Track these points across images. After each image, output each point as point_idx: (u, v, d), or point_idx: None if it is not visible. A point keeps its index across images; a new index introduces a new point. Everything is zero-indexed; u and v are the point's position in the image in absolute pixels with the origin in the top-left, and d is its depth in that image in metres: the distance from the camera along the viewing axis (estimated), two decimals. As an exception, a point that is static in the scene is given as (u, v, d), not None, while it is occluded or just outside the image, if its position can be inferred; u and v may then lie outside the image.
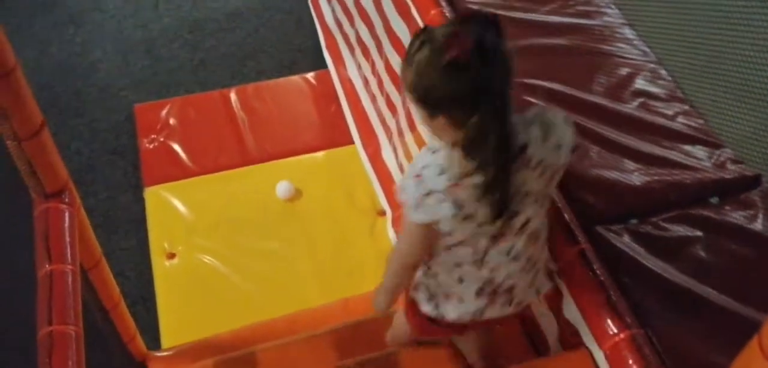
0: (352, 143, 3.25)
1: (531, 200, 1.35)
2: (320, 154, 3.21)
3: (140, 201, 3.03)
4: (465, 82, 1.18)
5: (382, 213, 2.98)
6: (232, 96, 3.42)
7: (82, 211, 1.84)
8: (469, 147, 1.23)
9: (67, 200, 1.74)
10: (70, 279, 1.60)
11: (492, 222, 1.31)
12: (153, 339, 2.64)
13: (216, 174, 3.12)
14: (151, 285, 2.79)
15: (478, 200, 1.28)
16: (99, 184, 3.14)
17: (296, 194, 3.04)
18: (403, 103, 2.61)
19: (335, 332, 2.09)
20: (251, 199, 3.03)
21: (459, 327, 1.59)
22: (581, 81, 1.99)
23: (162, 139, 3.22)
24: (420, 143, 2.39)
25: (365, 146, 3.17)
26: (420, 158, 1.33)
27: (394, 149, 2.96)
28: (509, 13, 2.18)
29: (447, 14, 2.10)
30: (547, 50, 2.09)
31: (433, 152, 1.31)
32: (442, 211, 1.30)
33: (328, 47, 3.60)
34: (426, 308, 1.58)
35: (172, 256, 2.83)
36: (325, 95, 3.45)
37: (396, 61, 2.65)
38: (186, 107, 3.37)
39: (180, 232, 2.89)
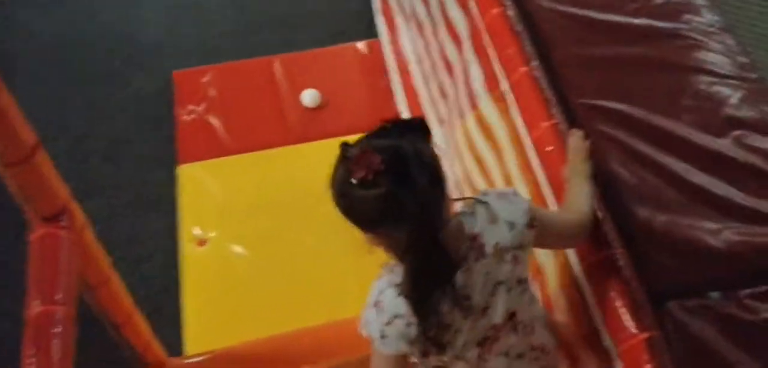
0: (401, 124, 2.97)
1: (504, 289, 1.28)
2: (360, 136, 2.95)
3: (173, 179, 2.87)
4: (378, 201, 1.12)
5: (430, 206, 2.72)
6: (277, 65, 3.19)
7: (87, 231, 1.66)
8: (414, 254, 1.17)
9: (65, 223, 1.55)
10: (60, 326, 1.43)
11: (434, 347, 1.26)
12: (175, 334, 2.50)
13: (254, 153, 2.93)
14: (178, 273, 2.64)
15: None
16: (132, 157, 2.99)
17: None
18: (461, 80, 2.31)
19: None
20: (291, 183, 2.83)
21: None
22: (661, 103, 1.66)
23: (200, 110, 3.03)
24: (481, 123, 2.09)
25: (414, 130, 2.90)
26: (376, 285, 1.28)
27: (445, 137, 2.69)
28: (583, 11, 1.85)
29: (509, 13, 1.80)
30: (624, 61, 1.76)
31: (390, 272, 1.26)
32: (409, 334, 1.24)
33: (382, 12, 3.31)
34: None
35: (202, 243, 2.67)
36: (376, 68, 3.18)
37: (451, 50, 2.36)
38: (227, 76, 3.17)
39: (212, 217, 2.72)
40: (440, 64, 2.55)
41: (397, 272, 1.23)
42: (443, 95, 2.62)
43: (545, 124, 1.58)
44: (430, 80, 2.75)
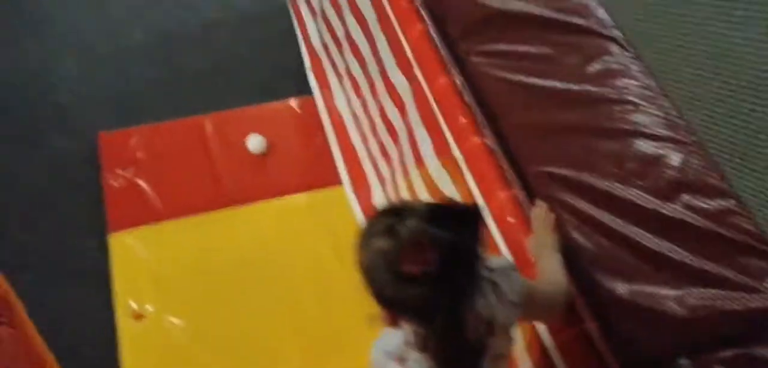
0: (340, 183, 2.96)
1: (503, 362, 1.31)
2: (303, 196, 2.92)
3: (104, 247, 2.72)
4: (417, 299, 1.08)
5: (373, 267, 2.70)
6: (207, 125, 3.11)
7: (28, 323, 1.55)
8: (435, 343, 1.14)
9: (5, 319, 1.44)
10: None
11: None
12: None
13: (188, 218, 2.82)
14: (115, 350, 2.50)
15: None
16: (58, 225, 2.83)
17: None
18: (406, 141, 2.31)
19: None
20: (227, 249, 2.74)
21: None
22: (609, 168, 1.72)
23: (129, 175, 2.91)
24: (428, 182, 2.10)
25: (355, 188, 2.89)
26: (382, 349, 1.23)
27: (388, 198, 2.68)
28: (526, 78, 1.90)
29: (456, 82, 1.81)
30: (569, 128, 1.81)
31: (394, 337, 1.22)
32: None
33: (313, 70, 3.30)
34: None
35: (139, 317, 2.54)
36: (311, 125, 3.15)
37: (393, 114, 2.36)
38: (156, 137, 3.06)
39: (148, 288, 2.60)
40: (381, 125, 2.56)
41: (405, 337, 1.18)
42: (384, 154, 2.62)
43: (503, 194, 1.60)
44: (370, 140, 2.74)
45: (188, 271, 2.66)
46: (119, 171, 2.91)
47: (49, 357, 1.69)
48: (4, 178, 2.92)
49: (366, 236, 1.13)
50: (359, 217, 2.81)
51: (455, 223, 1.10)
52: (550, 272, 1.43)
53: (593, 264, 1.53)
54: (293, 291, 2.63)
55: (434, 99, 1.88)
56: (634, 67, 2.01)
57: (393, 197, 2.59)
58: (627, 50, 2.06)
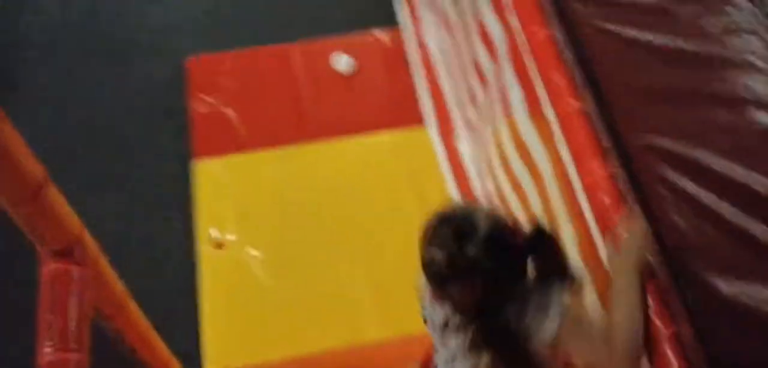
0: (424, 123, 2.84)
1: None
2: (387, 134, 2.83)
3: (188, 174, 2.74)
4: (459, 301, 1.26)
5: (455, 216, 2.60)
6: (294, 53, 3.04)
7: (101, 261, 1.55)
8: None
9: (78, 258, 1.44)
10: (73, 373, 1.33)
11: None
12: (192, 340, 2.41)
13: (272, 150, 2.80)
14: (195, 276, 2.53)
15: None
16: (145, 149, 2.87)
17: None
18: (496, 90, 2.15)
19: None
20: (308, 184, 2.72)
21: None
22: (726, 144, 1.51)
23: (215, 102, 2.89)
24: (515, 138, 1.95)
25: (440, 131, 2.77)
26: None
27: (473, 146, 2.56)
28: (634, 31, 1.69)
29: (556, 35, 1.64)
30: (682, 93, 1.61)
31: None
32: (425, 309, 1.42)
33: (405, 2, 3.15)
34: None
35: (220, 246, 2.56)
36: (398, 59, 3.03)
37: (485, 59, 2.21)
38: (243, 63, 3.03)
39: (230, 218, 2.61)
40: (471, 69, 2.41)
41: None
42: (473, 100, 2.48)
43: (598, 168, 1.45)
44: (459, 82, 2.60)
45: (270, 203, 2.65)
46: (206, 97, 2.90)
47: (128, 300, 1.69)
48: (93, 100, 2.98)
49: (428, 238, 1.25)
50: (443, 162, 2.70)
51: (514, 254, 1.23)
52: (616, 323, 1.26)
53: (693, 255, 1.37)
54: (372, 234, 2.58)
55: (530, 52, 1.72)
56: (763, 26, 1.76)
57: (478, 147, 2.47)
58: (755, 4, 1.80)
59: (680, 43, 1.69)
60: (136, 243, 2.64)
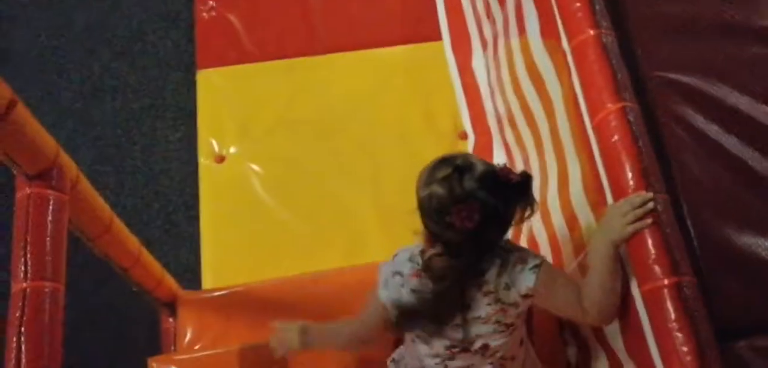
0: (440, 38, 2.70)
1: (479, 323, 1.40)
2: (400, 49, 2.69)
3: (192, 84, 2.65)
4: (456, 237, 1.28)
5: (464, 137, 2.50)
6: (306, -43, 2.87)
7: (81, 182, 1.48)
8: (435, 275, 1.37)
9: (55, 181, 1.37)
10: (48, 303, 1.28)
11: (435, 324, 1.41)
12: (192, 254, 2.37)
13: (279, 62, 2.67)
14: (196, 189, 2.47)
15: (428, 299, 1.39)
16: (148, 57, 2.78)
17: None
18: (512, 7, 2.01)
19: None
20: (315, 98, 2.60)
21: None
22: (752, 84, 1.39)
23: (220, 7, 2.76)
24: (528, 61, 1.84)
25: (455, 48, 2.63)
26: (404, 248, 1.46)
27: (487, 65, 2.43)
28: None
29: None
30: (707, 25, 1.47)
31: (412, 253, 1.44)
32: (400, 294, 1.42)
33: None
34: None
35: (221, 159, 2.49)
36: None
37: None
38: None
39: (232, 131, 2.52)
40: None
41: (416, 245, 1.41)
42: (489, 16, 2.33)
43: (612, 106, 1.33)
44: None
45: (274, 117, 2.56)
46: (211, 2, 2.76)
47: (114, 220, 1.63)
48: (92, 4, 2.86)
49: (428, 177, 1.30)
50: (456, 81, 2.58)
51: (505, 192, 1.26)
52: (591, 287, 1.34)
53: (705, 202, 1.28)
54: (378, 154, 2.48)
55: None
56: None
57: (492, 66, 2.34)
58: None
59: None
60: (136, 152, 2.59)
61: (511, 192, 1.27)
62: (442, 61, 2.65)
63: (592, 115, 1.37)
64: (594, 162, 1.44)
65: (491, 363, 1.46)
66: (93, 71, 2.70)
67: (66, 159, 1.42)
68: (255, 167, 2.46)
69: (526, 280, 1.35)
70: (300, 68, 2.65)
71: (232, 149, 2.50)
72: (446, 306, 1.39)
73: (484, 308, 1.38)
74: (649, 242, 1.22)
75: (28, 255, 1.30)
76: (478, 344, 1.42)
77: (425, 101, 2.56)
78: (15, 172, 1.36)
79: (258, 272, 2.23)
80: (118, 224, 1.69)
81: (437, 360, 1.47)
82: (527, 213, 1.30)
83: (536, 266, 1.36)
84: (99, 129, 2.62)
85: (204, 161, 2.48)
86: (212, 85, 2.61)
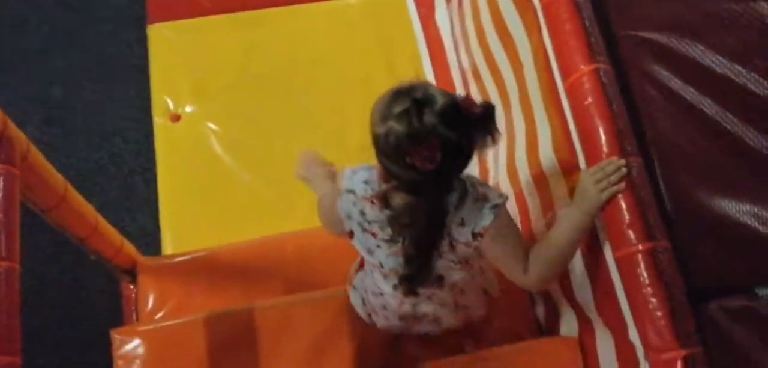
0: (400, -12, 2.63)
1: (435, 255, 1.35)
2: (361, 0, 2.62)
3: (143, 40, 2.53)
4: (415, 174, 1.19)
5: (428, 91, 2.45)
6: None
7: (32, 152, 1.40)
8: (394, 215, 1.28)
9: (3, 155, 1.30)
10: (3, 285, 1.22)
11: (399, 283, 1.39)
12: (151, 218, 2.30)
13: (234, 14, 2.58)
14: (152, 150, 2.38)
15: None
16: (96, 10, 2.64)
17: None
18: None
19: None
20: (272, 52, 2.52)
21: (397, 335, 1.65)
22: (732, 44, 1.36)
23: (170, -41, 2.63)
24: (494, 12, 1.80)
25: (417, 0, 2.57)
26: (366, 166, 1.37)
27: (451, 17, 2.38)
28: None
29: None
30: None
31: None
32: (352, 216, 1.38)
33: None
34: (360, 311, 1.64)
35: (176, 118, 2.40)
36: None
37: None
38: None
39: (187, 88, 2.43)
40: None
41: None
42: (453, -34, 2.27)
43: (585, 68, 1.30)
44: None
45: (230, 73, 2.48)
46: (160, -47, 2.63)
47: (68, 190, 1.55)
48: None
49: (384, 111, 1.19)
50: (418, 34, 2.53)
51: (467, 126, 1.17)
52: (542, 250, 1.34)
53: (680, 165, 1.27)
54: (341, 110, 2.41)
55: None
56: None
57: (456, 18, 2.29)
58: None
59: None
60: (88, 113, 2.48)
61: (473, 125, 1.18)
62: (405, 13, 2.59)
63: (565, 76, 1.35)
64: (565, 123, 1.42)
65: (451, 292, 1.45)
66: (36, 26, 2.56)
67: (14, 130, 1.33)
68: (213, 126, 2.38)
69: (483, 219, 1.28)
70: (257, 21, 2.56)
71: (187, 108, 2.41)
72: (415, 273, 1.34)
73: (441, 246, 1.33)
74: (623, 207, 1.22)
75: (-22, 234, 1.23)
76: (433, 275, 1.38)
77: (386, 51, 2.51)
78: (-42, 146, 1.27)
79: (220, 235, 2.18)
80: (73, 194, 1.62)
81: (395, 290, 1.45)
82: (489, 142, 1.20)
83: (497, 205, 1.29)
84: (45, 90, 2.49)
85: (159, 121, 2.39)
86: (165, 41, 2.50)
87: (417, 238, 1.29)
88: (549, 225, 1.54)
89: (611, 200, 1.23)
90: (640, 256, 1.18)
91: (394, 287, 1.45)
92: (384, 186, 1.27)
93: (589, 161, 1.29)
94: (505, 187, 1.86)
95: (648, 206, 1.21)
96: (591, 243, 1.34)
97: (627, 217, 1.20)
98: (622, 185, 1.22)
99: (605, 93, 1.28)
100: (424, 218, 1.25)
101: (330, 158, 2.30)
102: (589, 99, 1.29)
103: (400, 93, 1.19)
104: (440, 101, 1.17)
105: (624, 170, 1.23)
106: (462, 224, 1.29)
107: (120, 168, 2.39)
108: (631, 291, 1.20)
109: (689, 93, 1.32)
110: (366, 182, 1.34)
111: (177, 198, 2.28)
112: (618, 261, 1.22)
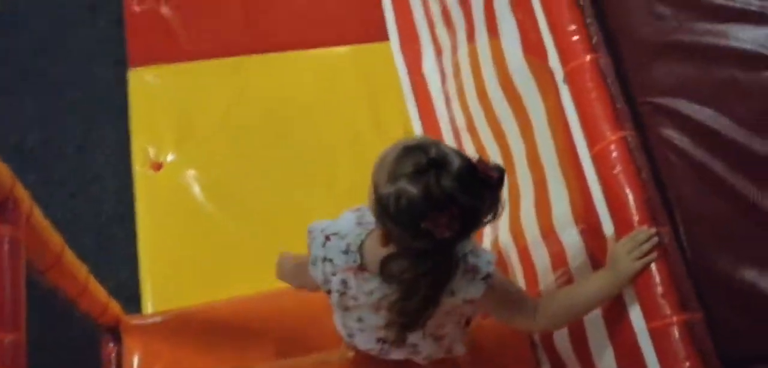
0: (387, 39, 2.62)
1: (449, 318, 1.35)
2: (345, 49, 2.60)
3: (123, 82, 2.45)
4: (426, 242, 1.10)
5: (415, 141, 2.44)
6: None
7: (35, 213, 1.32)
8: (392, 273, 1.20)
9: (9, 215, 1.21)
10: (9, 359, 1.13)
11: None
12: (129, 271, 2.19)
13: (217, 60, 2.52)
14: (132, 198, 2.29)
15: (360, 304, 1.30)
16: (73, 49, 2.55)
17: None
18: (481, 15, 1.96)
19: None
20: (257, 99, 2.46)
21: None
22: (752, 115, 1.39)
23: (152, 0, 2.56)
24: (502, 72, 1.80)
25: (404, 50, 2.56)
26: (343, 222, 1.32)
27: (443, 70, 2.38)
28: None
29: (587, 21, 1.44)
30: (707, 52, 1.46)
31: (357, 223, 1.29)
32: (331, 283, 1.31)
33: None
34: (340, 330, 1.53)
35: (157, 166, 2.32)
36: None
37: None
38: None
39: (169, 136, 2.35)
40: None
41: (354, 232, 1.27)
42: (447, 21, 2.28)
43: (612, 136, 1.31)
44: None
45: (214, 120, 2.41)
46: (140, -8, 2.56)
47: (65, 251, 1.47)
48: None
49: (393, 169, 1.09)
50: (405, 82, 2.52)
51: (483, 190, 1.09)
52: (587, 298, 1.33)
53: (709, 237, 1.28)
54: (326, 156, 2.38)
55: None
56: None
57: (450, 72, 2.29)
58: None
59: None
60: (64, 159, 2.37)
61: (490, 191, 1.11)
62: (390, 63, 2.58)
63: (591, 144, 1.35)
64: (585, 186, 1.42)
65: (432, 338, 1.42)
66: (9, 68, 2.45)
67: (21, 190, 1.25)
68: (196, 174, 2.31)
69: (475, 290, 1.24)
70: (241, 67, 2.51)
71: (169, 156, 2.33)
72: (411, 317, 1.25)
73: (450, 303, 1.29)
74: (656, 278, 1.21)
75: (-16, 302, 1.14)
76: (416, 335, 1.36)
77: (373, 102, 2.49)
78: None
79: (203, 289, 2.10)
80: (68, 252, 1.53)
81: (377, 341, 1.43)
82: (497, 210, 1.13)
83: (488, 276, 1.24)
84: (19, 134, 2.38)
85: (139, 169, 2.30)
86: (146, 86, 2.43)
87: (413, 306, 1.21)
88: (561, 280, 1.54)
89: (643, 270, 1.22)
90: (675, 328, 1.17)
91: (378, 340, 1.43)
92: (382, 251, 1.19)
93: (619, 230, 1.29)
94: (506, 240, 1.85)
95: (681, 277, 1.21)
96: (615, 311, 1.33)
97: (660, 288, 1.20)
98: (655, 254, 1.22)
99: (633, 162, 1.28)
100: (426, 286, 1.18)
101: (317, 205, 2.27)
102: (618, 168, 1.29)
103: (409, 149, 1.10)
104: (456, 162, 1.09)
105: (655, 239, 1.23)
106: (452, 294, 1.24)
107: (97, 217, 2.28)
108: (666, 363, 1.19)
109: (706, 158, 1.34)
110: (345, 252, 1.26)
111: (158, 250, 2.19)
112: (652, 332, 1.21)
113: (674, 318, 1.18)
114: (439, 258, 1.16)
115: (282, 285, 2.06)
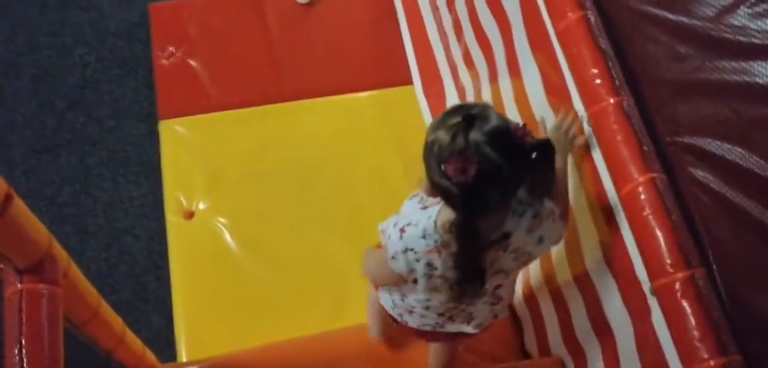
0: (410, 82, 2.65)
1: (501, 275, 1.43)
2: (370, 94, 2.63)
3: (154, 135, 2.51)
4: (448, 183, 1.18)
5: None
6: (268, 4, 2.78)
7: (72, 269, 1.35)
8: (453, 234, 1.27)
9: (47, 274, 1.24)
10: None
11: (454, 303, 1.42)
12: (163, 320, 2.23)
13: (245, 110, 2.57)
14: (164, 247, 2.32)
15: (448, 278, 1.35)
16: (106, 106, 2.62)
17: None
18: (502, 60, 1.98)
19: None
20: (285, 146, 2.50)
21: (422, 333, 1.64)
22: None
23: (181, 54, 2.63)
24: (520, 96, 1.83)
25: (426, 91, 2.59)
26: (408, 211, 1.39)
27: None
28: (677, 16, 1.52)
29: (590, 17, 1.47)
30: (734, 90, 1.45)
31: (423, 208, 1.36)
32: (416, 269, 1.37)
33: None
34: (390, 311, 1.63)
35: (189, 215, 2.35)
36: (383, 11, 2.81)
37: (489, 23, 2.03)
38: (211, 11, 2.75)
39: (200, 185, 2.40)
40: (469, 28, 2.22)
41: (425, 216, 1.32)
42: (469, 63, 2.30)
43: (641, 178, 1.31)
44: (452, 40, 2.42)
45: (244, 168, 2.45)
46: (171, 49, 2.63)
47: (101, 305, 1.50)
48: (49, 50, 2.69)
49: (439, 121, 1.23)
50: (428, 122, 2.54)
51: (515, 154, 1.17)
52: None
53: (745, 277, 1.26)
54: (353, 201, 2.40)
55: (557, 37, 1.54)
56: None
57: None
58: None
59: (724, 31, 1.52)
60: (97, 211, 2.42)
61: (521, 156, 1.18)
62: (414, 105, 2.60)
63: (619, 186, 1.35)
64: (615, 228, 1.41)
65: (489, 302, 1.51)
66: (45, 124, 2.52)
67: (58, 247, 1.29)
68: (227, 222, 2.34)
69: (561, 228, 1.42)
70: (268, 116, 2.56)
71: (201, 205, 2.37)
72: (469, 277, 1.34)
73: (509, 263, 1.39)
74: (692, 321, 1.20)
75: (25, 362, 1.16)
76: (490, 288, 1.45)
77: (399, 144, 2.50)
78: (3, 267, 1.22)
79: (237, 336, 2.12)
80: (105, 306, 1.56)
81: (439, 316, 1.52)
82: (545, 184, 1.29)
83: (564, 212, 1.43)
84: (55, 187, 2.44)
85: (172, 218, 2.34)
86: (176, 137, 2.48)
87: (457, 256, 1.29)
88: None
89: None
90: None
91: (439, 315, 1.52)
92: (441, 221, 1.28)
93: (651, 275, 1.27)
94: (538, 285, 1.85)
95: (718, 319, 1.20)
96: (654, 357, 1.31)
97: (697, 332, 1.19)
98: (584, 136, 1.45)
99: (663, 204, 1.28)
100: (458, 233, 1.26)
101: (345, 250, 2.28)
102: (647, 210, 1.28)
103: (459, 108, 1.23)
104: (493, 122, 1.18)
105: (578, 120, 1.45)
106: (541, 240, 1.37)
107: (131, 268, 2.32)
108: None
109: (738, 198, 1.32)
110: (423, 237, 1.32)
111: (191, 298, 2.22)
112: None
113: (711, 363, 1.17)
114: (464, 205, 1.21)
115: (312, 329, 2.11)
